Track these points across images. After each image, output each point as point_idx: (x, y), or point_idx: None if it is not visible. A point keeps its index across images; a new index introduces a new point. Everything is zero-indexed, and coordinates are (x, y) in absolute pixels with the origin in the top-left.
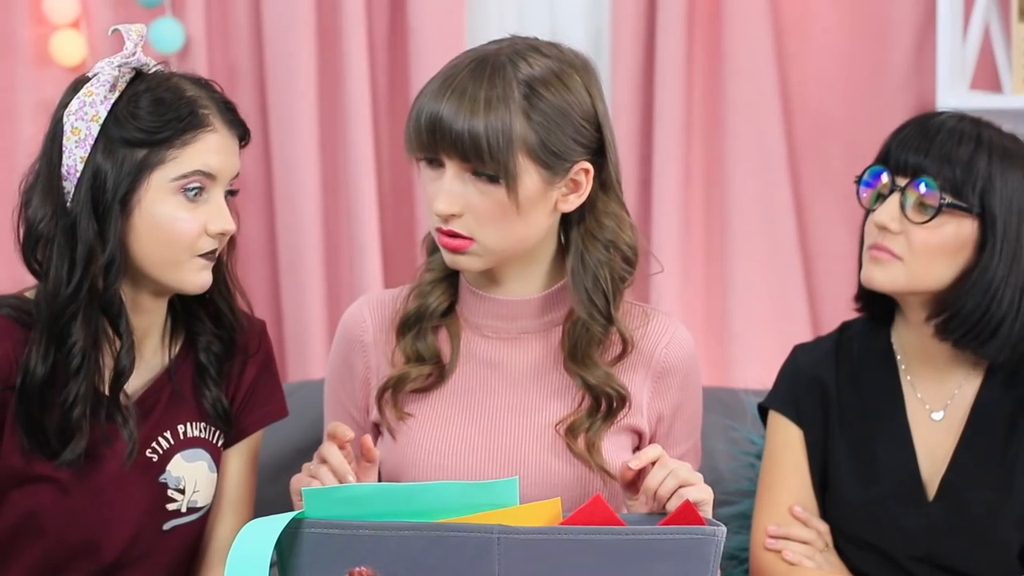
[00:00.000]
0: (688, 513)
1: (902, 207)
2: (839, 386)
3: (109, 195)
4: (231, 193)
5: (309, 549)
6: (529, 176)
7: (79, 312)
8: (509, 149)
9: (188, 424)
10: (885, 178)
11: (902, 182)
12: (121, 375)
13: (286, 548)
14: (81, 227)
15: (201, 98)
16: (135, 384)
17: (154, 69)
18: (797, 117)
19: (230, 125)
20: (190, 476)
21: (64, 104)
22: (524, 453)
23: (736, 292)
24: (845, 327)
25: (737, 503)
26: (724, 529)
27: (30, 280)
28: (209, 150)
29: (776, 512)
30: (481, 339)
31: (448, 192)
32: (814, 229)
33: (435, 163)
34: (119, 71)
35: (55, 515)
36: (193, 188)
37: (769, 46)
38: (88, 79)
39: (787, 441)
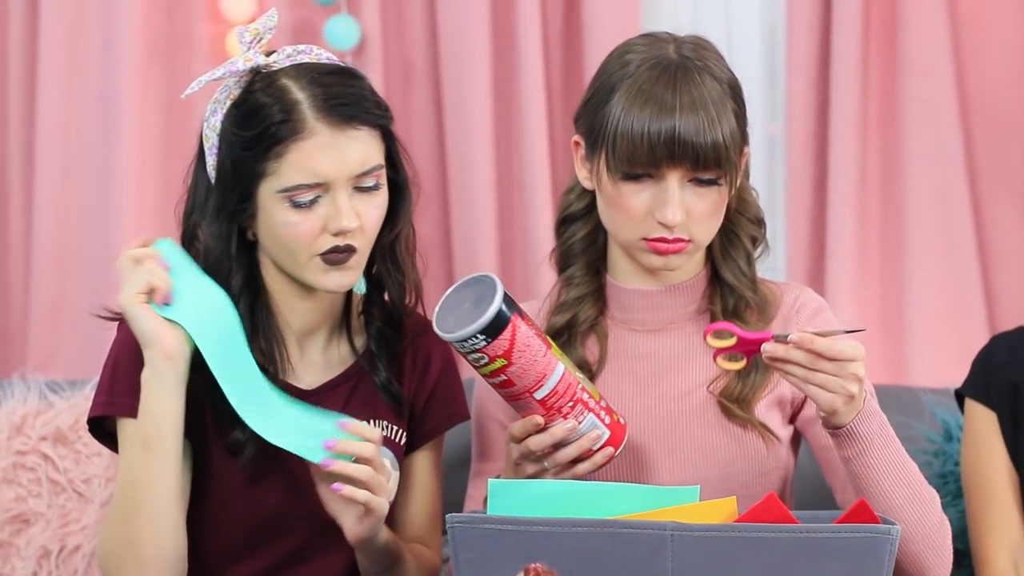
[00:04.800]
0: (862, 512)
1: None
2: None
3: (227, 202)
4: (367, 189)
5: (484, 545)
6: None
7: None
8: (734, 149)
9: (370, 421)
10: None
11: None
12: None
13: (461, 544)
14: (205, 227)
15: (300, 102)
16: (310, 377)
17: (280, 63)
18: (974, 114)
19: (343, 122)
20: None
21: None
22: (679, 431)
23: (912, 290)
24: None
25: None
26: (899, 528)
27: None
28: (309, 158)
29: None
30: (628, 334)
31: (677, 202)
32: (991, 227)
33: (645, 176)
34: (234, 80)
35: (242, 496)
36: (302, 200)
37: (946, 42)
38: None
39: (985, 426)
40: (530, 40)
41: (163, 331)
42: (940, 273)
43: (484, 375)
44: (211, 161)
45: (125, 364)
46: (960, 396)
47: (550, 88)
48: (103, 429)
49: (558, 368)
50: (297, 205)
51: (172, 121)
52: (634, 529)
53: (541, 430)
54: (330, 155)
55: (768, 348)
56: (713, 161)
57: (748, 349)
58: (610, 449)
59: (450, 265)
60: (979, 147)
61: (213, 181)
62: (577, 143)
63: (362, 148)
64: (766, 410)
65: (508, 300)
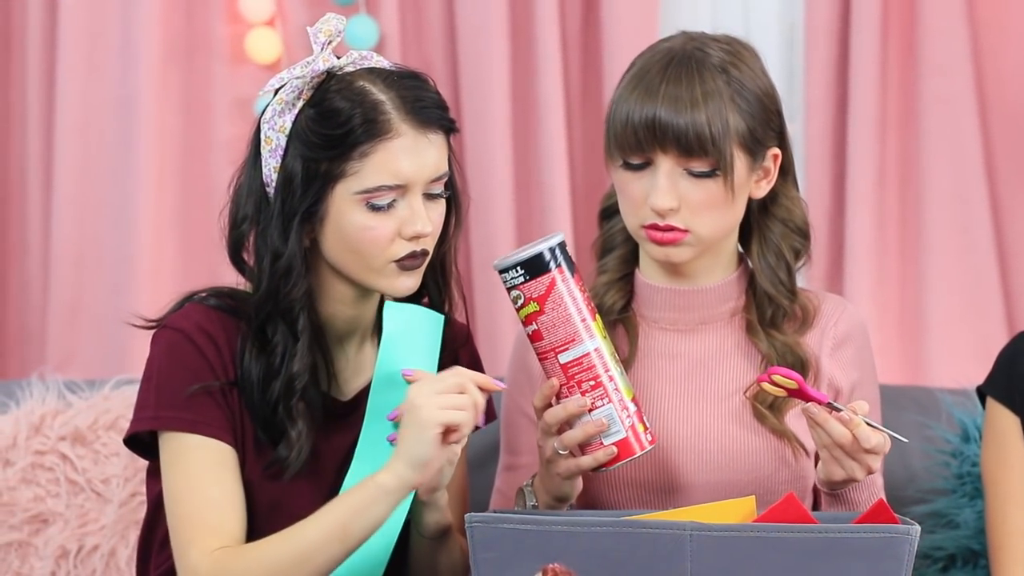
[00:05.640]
0: (882, 512)
1: None
2: None
3: (296, 205)
4: (435, 196)
5: (503, 545)
6: (740, 164)
7: (274, 314)
8: (727, 140)
9: None
10: None
11: None
12: (292, 380)
13: (479, 544)
14: (270, 234)
15: (384, 102)
16: (346, 386)
17: (349, 67)
18: (993, 113)
19: (424, 125)
20: None
21: (264, 108)
22: (710, 433)
23: (930, 290)
24: None
25: (931, 502)
26: (918, 528)
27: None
28: (393, 159)
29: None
30: (659, 332)
31: (666, 188)
32: (1010, 227)
33: (639, 165)
34: (302, 80)
35: (296, 506)
36: (381, 203)
37: (965, 42)
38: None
39: (1006, 429)
40: (548, 40)
41: (437, 470)
42: (958, 273)
43: (521, 320)
44: (273, 164)
45: (169, 377)
46: (981, 393)
47: (568, 89)
48: (139, 441)
49: (591, 341)
50: (375, 208)
51: (190, 121)
52: (653, 529)
53: (558, 403)
54: (412, 157)
55: (813, 411)
56: (697, 146)
57: (797, 395)
58: (614, 449)
59: (468, 266)
60: (998, 147)
61: (274, 184)
62: None
63: (437, 153)
64: (796, 419)
65: (563, 253)
